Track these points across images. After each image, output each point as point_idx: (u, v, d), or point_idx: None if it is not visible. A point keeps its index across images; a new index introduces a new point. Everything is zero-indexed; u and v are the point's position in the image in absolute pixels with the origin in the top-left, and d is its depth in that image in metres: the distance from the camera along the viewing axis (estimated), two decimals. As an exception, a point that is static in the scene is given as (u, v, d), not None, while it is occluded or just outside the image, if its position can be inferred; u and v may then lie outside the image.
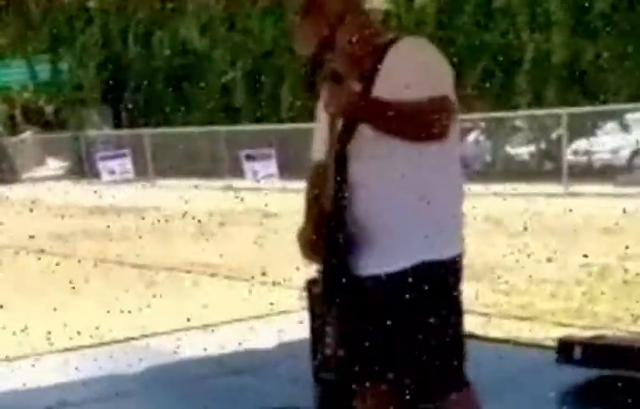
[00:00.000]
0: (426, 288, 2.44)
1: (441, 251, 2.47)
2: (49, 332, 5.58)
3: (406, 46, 2.53)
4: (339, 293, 2.49)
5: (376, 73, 2.48)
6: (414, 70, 2.44)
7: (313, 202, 2.60)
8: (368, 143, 2.45)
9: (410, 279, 2.42)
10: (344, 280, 2.47)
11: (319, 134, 2.67)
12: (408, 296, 2.42)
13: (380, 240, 2.44)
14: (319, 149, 2.65)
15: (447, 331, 2.47)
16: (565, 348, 4.19)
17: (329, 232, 2.48)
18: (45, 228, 12.65)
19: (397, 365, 2.47)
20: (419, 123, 2.40)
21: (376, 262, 2.45)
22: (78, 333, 5.62)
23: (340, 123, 2.53)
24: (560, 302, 6.64)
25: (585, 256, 8.07)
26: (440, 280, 2.47)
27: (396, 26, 17.49)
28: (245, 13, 22.02)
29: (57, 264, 9.42)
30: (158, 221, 13.19)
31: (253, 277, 8.02)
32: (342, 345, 2.51)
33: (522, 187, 15.14)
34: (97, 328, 5.75)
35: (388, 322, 2.43)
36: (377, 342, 2.46)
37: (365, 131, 2.46)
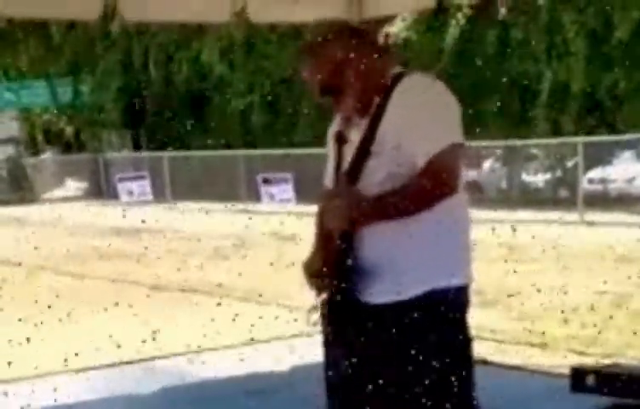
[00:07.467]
0: (435, 316, 2.45)
1: (450, 279, 2.48)
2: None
3: (411, 85, 2.50)
4: (347, 320, 2.51)
5: (383, 112, 2.47)
6: (418, 110, 2.43)
7: (321, 229, 2.60)
8: (378, 179, 2.45)
9: (418, 308, 2.44)
10: (352, 308, 2.49)
11: (331, 161, 2.68)
12: (416, 324, 2.43)
13: (388, 270, 2.46)
14: (331, 176, 2.66)
15: (455, 359, 2.47)
16: (578, 376, 4.18)
17: (338, 259, 2.49)
18: (63, 249, 12.74)
19: (404, 393, 2.46)
20: (421, 199, 2.39)
21: (384, 290, 2.46)
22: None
23: (348, 159, 2.53)
24: (574, 330, 6.63)
25: (602, 283, 8.05)
26: (448, 309, 2.48)
27: (414, 54, 17.58)
28: (263, 38, 22.17)
29: (68, 285, 9.49)
30: (174, 242, 13.24)
31: (265, 299, 8.05)
32: (351, 371, 2.52)
33: (538, 215, 15.11)
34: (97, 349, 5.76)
35: (396, 350, 2.44)
36: (385, 370, 2.46)
37: (375, 170, 2.46)
